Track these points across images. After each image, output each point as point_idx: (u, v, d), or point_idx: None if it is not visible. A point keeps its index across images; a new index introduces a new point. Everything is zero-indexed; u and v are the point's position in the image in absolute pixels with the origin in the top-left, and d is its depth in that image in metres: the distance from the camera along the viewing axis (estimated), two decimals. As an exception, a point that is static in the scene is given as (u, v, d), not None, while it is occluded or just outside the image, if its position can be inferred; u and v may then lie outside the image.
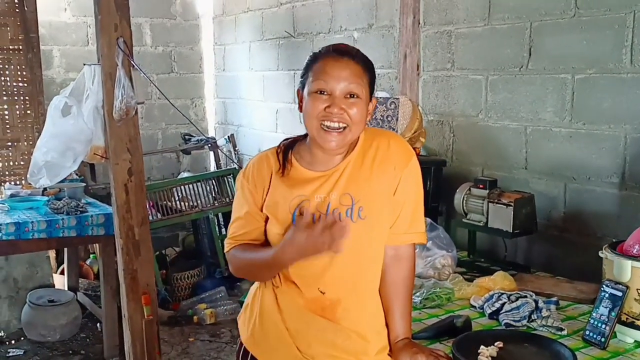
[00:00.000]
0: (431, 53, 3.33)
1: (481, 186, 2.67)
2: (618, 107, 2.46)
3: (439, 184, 3.12)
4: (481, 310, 2.13)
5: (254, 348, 1.65)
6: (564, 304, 2.21)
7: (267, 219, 1.60)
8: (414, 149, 3.20)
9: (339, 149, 1.53)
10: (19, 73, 4.21)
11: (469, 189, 2.73)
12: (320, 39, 4.18)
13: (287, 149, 1.62)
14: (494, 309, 2.07)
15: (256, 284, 1.71)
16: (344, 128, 1.49)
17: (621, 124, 2.46)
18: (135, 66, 2.41)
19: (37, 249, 3.56)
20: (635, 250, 1.86)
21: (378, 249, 1.62)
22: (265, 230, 1.61)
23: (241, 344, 1.69)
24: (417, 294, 2.21)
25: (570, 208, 2.67)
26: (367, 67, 1.54)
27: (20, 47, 4.20)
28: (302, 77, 1.57)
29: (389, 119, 2.95)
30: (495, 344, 1.74)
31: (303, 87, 1.55)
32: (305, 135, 1.62)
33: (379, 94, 3.35)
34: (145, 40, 5.39)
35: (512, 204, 2.50)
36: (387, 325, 1.67)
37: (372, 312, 1.64)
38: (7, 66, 4.18)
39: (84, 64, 2.49)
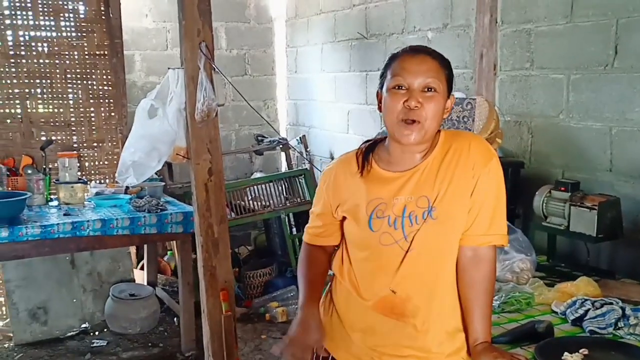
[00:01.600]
0: (509, 52, 3.26)
1: (562, 189, 2.59)
2: None
3: (517, 186, 3.04)
4: (563, 316, 2.07)
5: (327, 342, 1.69)
6: (653, 312, 2.12)
7: (344, 218, 1.66)
8: (490, 150, 3.14)
9: (416, 144, 1.54)
10: (104, 77, 4.43)
11: (550, 192, 2.65)
12: (393, 40, 4.17)
13: (368, 151, 1.66)
14: (577, 315, 2.01)
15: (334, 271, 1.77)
16: (421, 122, 1.51)
17: None
18: (216, 69, 2.48)
19: (121, 245, 3.73)
20: None
21: (449, 249, 1.61)
22: (341, 226, 1.69)
23: None
24: (496, 297, 2.18)
25: (659, 212, 2.56)
26: (444, 63, 1.58)
27: (106, 52, 4.41)
28: (380, 77, 1.62)
29: (465, 119, 2.91)
30: (580, 351, 1.70)
31: (382, 88, 1.60)
32: (385, 138, 1.65)
33: (455, 94, 3.30)
34: (221, 43, 5.53)
35: (596, 207, 2.42)
36: (465, 327, 1.65)
37: (443, 311, 1.63)
38: (93, 70, 4.40)
39: (169, 68, 2.59)
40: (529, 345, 1.83)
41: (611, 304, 2.01)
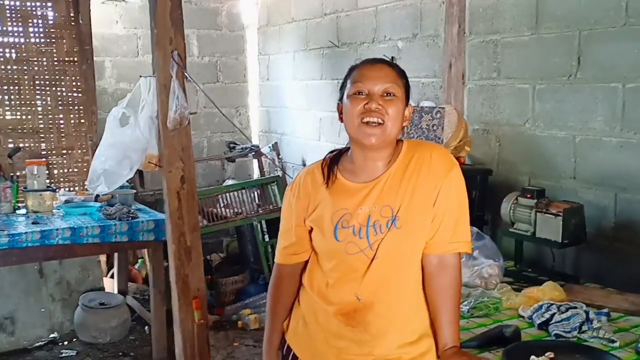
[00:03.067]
0: (476, 62, 3.34)
1: (529, 195, 2.66)
2: (671, 117, 2.43)
3: (485, 193, 3.11)
4: (530, 321, 2.13)
5: (294, 344, 1.75)
6: (615, 315, 2.19)
7: (312, 229, 1.68)
8: (459, 157, 3.21)
9: (378, 145, 1.58)
10: (73, 84, 4.37)
11: (516, 199, 2.72)
12: (364, 49, 4.22)
13: (332, 162, 1.69)
14: (543, 319, 2.07)
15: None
16: (383, 123, 1.56)
17: (674, 134, 2.42)
18: (189, 77, 2.49)
19: (91, 253, 3.68)
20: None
21: (413, 257, 1.65)
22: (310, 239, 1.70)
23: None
24: (465, 303, 2.22)
25: (621, 218, 2.64)
26: (401, 73, 1.65)
27: (75, 59, 4.36)
28: (340, 89, 1.66)
29: (435, 128, 2.97)
30: (546, 354, 1.74)
31: (341, 99, 1.65)
32: (349, 148, 1.69)
33: (424, 103, 3.37)
34: (192, 50, 5.52)
35: (561, 213, 2.49)
36: (435, 333, 1.69)
37: (406, 318, 1.66)
38: (62, 77, 4.34)
39: (140, 76, 2.59)
40: (497, 349, 1.88)
41: (575, 308, 2.07)
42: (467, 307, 2.20)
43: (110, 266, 4.80)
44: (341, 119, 1.65)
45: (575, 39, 2.78)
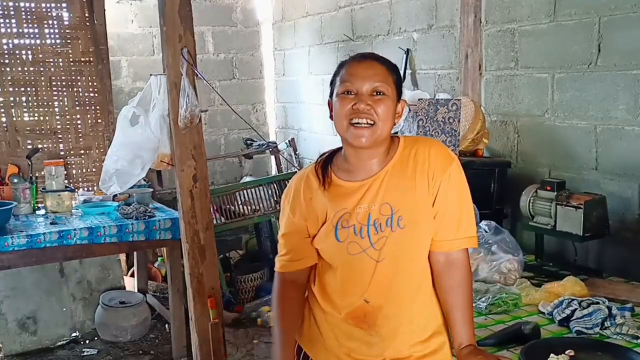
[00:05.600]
0: (494, 52, 3.26)
1: (548, 188, 2.58)
2: (696, 104, 2.34)
3: (504, 186, 3.04)
4: (550, 317, 2.07)
5: (306, 344, 1.72)
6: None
7: (314, 235, 1.64)
8: (477, 150, 3.15)
9: (369, 146, 1.54)
10: (89, 84, 4.39)
11: (536, 191, 2.65)
12: (379, 41, 4.16)
13: (326, 164, 1.65)
14: (564, 315, 2.01)
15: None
16: (372, 124, 1.52)
17: (700, 121, 2.33)
18: (199, 75, 2.47)
19: (109, 253, 3.70)
20: None
21: (419, 256, 1.62)
22: (312, 242, 1.65)
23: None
24: (483, 299, 2.17)
25: (646, 210, 2.56)
26: (391, 68, 1.60)
27: (91, 59, 4.38)
28: (330, 85, 1.61)
29: (450, 120, 2.90)
30: (566, 352, 1.69)
31: (331, 95, 1.60)
32: (341, 148, 1.65)
33: (439, 95, 3.31)
34: (208, 48, 5.52)
35: (582, 206, 2.41)
36: (449, 332, 1.66)
37: (415, 318, 1.63)
38: (78, 77, 4.36)
39: (151, 75, 2.57)
40: (516, 347, 1.82)
41: (598, 303, 2.00)
42: (485, 304, 2.14)
43: (130, 265, 4.83)
44: (332, 117, 1.60)
45: (595, 26, 2.70)
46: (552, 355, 1.66)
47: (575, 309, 2.00)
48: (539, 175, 2.98)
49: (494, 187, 3.00)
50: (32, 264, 3.52)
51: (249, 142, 5.44)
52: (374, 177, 1.58)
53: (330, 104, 1.61)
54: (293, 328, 1.72)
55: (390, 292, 1.59)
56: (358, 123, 1.52)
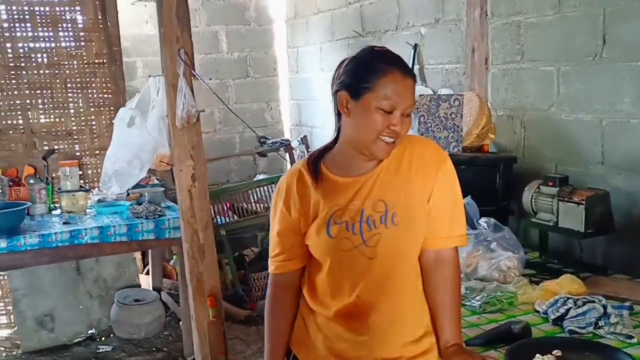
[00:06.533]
0: (500, 45, 3.20)
1: (551, 184, 2.53)
2: (701, 95, 2.26)
3: (510, 182, 2.98)
4: (545, 316, 2.02)
5: (294, 346, 1.68)
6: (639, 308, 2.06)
7: (305, 232, 1.61)
8: (483, 145, 3.11)
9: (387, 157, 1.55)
10: (104, 85, 4.46)
11: (538, 187, 2.59)
12: (388, 37, 4.13)
13: (317, 160, 1.62)
14: (558, 314, 1.97)
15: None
16: (395, 140, 1.52)
17: None
18: (196, 75, 2.48)
19: (120, 252, 3.74)
20: None
21: (411, 254, 1.61)
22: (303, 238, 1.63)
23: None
24: (478, 297, 2.14)
25: (652, 205, 2.48)
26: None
27: (105, 61, 4.44)
28: (355, 80, 1.50)
29: (453, 116, 2.86)
30: (553, 352, 1.65)
31: (356, 94, 1.49)
32: (331, 144, 1.62)
33: (442, 90, 3.27)
34: (222, 46, 5.55)
35: (584, 202, 2.36)
36: (436, 331, 1.64)
37: (407, 317, 1.62)
38: (93, 79, 4.43)
39: (149, 76, 2.60)
40: (504, 347, 1.79)
41: (593, 302, 1.95)
42: (480, 302, 2.11)
43: (146, 263, 4.89)
44: (344, 112, 1.53)
45: (600, 17, 2.63)
46: (537, 355, 1.62)
47: (570, 308, 1.95)
48: (545, 170, 2.91)
49: (499, 183, 2.95)
50: (44, 262, 3.59)
51: (262, 140, 5.45)
52: (369, 174, 1.57)
53: (344, 99, 1.52)
54: (286, 334, 1.69)
55: (383, 290, 1.58)
56: (387, 139, 1.50)
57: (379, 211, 1.55)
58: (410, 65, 3.75)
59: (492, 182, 2.96)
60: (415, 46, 3.82)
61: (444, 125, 2.85)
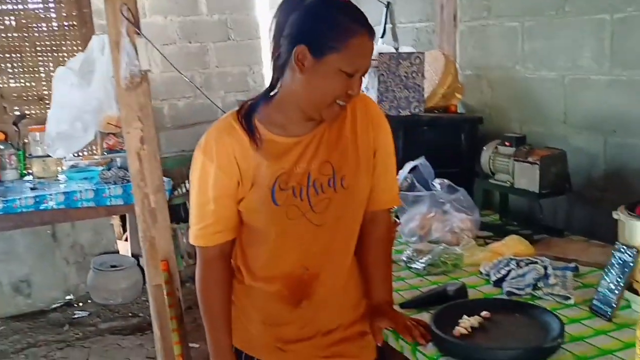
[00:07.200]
0: (467, 1, 3.08)
1: (508, 143, 2.45)
2: (660, 48, 2.16)
3: (475, 143, 2.90)
4: (487, 278, 1.97)
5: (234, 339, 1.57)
6: (586, 270, 2.00)
7: (241, 199, 1.47)
8: (449, 105, 3.02)
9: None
10: (74, 48, 4.37)
11: (496, 147, 2.51)
12: (362, -4, 4.00)
13: (249, 116, 1.45)
14: (499, 276, 1.91)
15: None
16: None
17: (663, 67, 2.16)
18: (140, 33, 2.40)
19: (87, 217, 3.71)
20: (655, 210, 1.63)
21: (357, 218, 1.55)
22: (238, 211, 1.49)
23: None
24: (423, 260, 2.09)
25: (611, 165, 2.40)
26: None
27: (75, 23, 4.38)
28: (320, 37, 1.33)
29: (414, 75, 2.77)
30: (482, 314, 1.60)
31: (318, 51, 1.33)
32: (263, 98, 1.47)
33: (402, 48, 3.17)
34: (201, 9, 5.41)
35: (539, 162, 2.28)
36: (367, 290, 1.62)
37: (349, 284, 1.60)
38: (63, 42, 4.37)
39: (93, 35, 2.51)
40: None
41: (536, 263, 1.90)
42: (424, 265, 2.06)
43: (126, 229, 4.88)
44: (299, 69, 1.35)
45: (563, -32, 2.51)
46: (464, 317, 1.57)
47: (512, 269, 1.90)
48: (511, 130, 2.82)
49: (463, 144, 2.87)
50: (9, 228, 3.59)
51: (243, 104, 5.36)
52: (311, 134, 1.46)
53: (301, 53, 1.33)
54: (229, 317, 1.53)
55: (328, 258, 1.52)
56: (341, 103, 1.41)
57: (325, 174, 1.45)
58: (382, 25, 3.71)
59: (457, 144, 2.88)
60: (388, 4, 3.70)
61: (405, 85, 2.76)
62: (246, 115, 1.45)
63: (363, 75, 1.41)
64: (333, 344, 1.56)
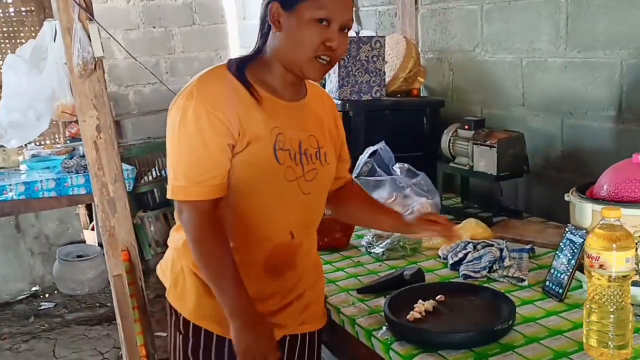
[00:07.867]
0: (428, -16, 3.07)
1: (467, 127, 2.46)
2: (613, 30, 2.17)
3: (437, 126, 2.90)
4: (445, 261, 1.99)
5: (203, 320, 1.49)
6: (543, 251, 2.03)
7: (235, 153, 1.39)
8: (412, 89, 3.02)
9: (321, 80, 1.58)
10: (33, 34, 4.25)
11: (456, 131, 2.53)
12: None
13: (241, 71, 1.41)
14: (456, 259, 1.93)
15: (180, 245, 1.50)
16: (331, 61, 1.41)
17: (616, 49, 2.17)
18: (92, 19, 2.34)
19: (49, 207, 3.65)
20: (604, 191, 1.65)
21: (326, 196, 1.63)
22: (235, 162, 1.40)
23: (185, 320, 1.51)
24: (381, 245, 2.09)
25: (568, 146, 2.43)
26: None
27: (33, 9, 4.27)
28: None
29: (375, 59, 2.76)
30: (437, 297, 1.62)
31: (288, 4, 1.35)
32: (254, 56, 1.45)
33: (363, 32, 3.15)
34: (165, -8, 5.32)
35: (496, 144, 2.29)
36: (382, 220, 1.74)
37: (317, 256, 1.70)
38: (21, 28, 4.27)
39: (44, 21, 2.45)
40: (394, 293, 1.75)
41: (492, 245, 1.92)
42: (383, 250, 2.06)
43: (92, 218, 4.81)
44: (276, 27, 1.36)
45: (521, -50, 2.51)
46: (420, 301, 1.59)
47: (469, 252, 1.91)
48: (472, 113, 2.84)
49: (425, 128, 2.87)
50: (-32, 220, 3.51)
51: (209, 90, 5.31)
52: (302, 102, 1.50)
53: (275, 11, 1.35)
54: (236, 267, 1.39)
55: (308, 227, 1.57)
56: (323, 59, 1.37)
57: (313, 146, 1.50)
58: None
59: (419, 127, 2.88)
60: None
61: (366, 69, 2.75)
62: (238, 69, 1.42)
63: (343, 28, 1.39)
64: (304, 310, 1.59)
